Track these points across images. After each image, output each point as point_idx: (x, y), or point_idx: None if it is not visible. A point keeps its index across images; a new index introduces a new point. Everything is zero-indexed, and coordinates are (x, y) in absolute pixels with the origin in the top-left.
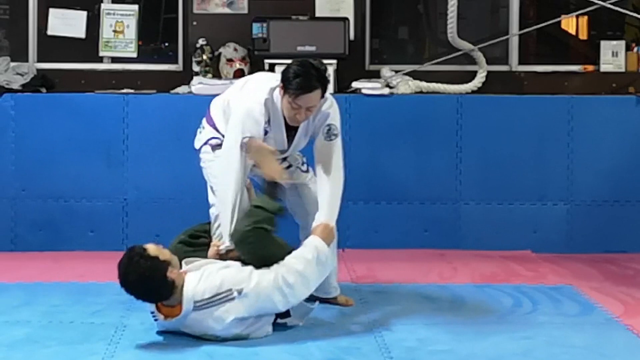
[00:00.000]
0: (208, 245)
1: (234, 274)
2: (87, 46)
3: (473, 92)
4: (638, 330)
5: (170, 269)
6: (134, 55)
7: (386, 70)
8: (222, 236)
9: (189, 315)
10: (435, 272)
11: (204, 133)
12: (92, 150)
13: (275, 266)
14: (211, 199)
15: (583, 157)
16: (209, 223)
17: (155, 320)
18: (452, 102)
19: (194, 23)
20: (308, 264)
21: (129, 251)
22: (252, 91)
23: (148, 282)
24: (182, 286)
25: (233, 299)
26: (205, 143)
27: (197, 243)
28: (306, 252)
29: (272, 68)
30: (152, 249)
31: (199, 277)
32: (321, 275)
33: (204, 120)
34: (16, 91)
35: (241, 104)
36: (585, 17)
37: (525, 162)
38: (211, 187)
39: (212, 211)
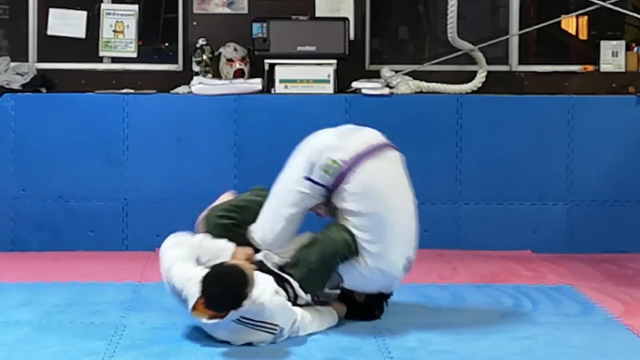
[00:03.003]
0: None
1: (284, 309)
2: (87, 46)
3: (473, 92)
4: (638, 331)
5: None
6: (134, 55)
7: (386, 70)
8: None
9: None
10: (435, 272)
11: None
12: (92, 150)
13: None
14: None
15: (583, 157)
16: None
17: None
18: (452, 102)
19: (194, 23)
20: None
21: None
22: None
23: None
24: None
25: (274, 334)
26: None
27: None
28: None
29: (272, 68)
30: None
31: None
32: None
33: None
34: (16, 91)
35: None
36: (585, 17)
37: (525, 162)
38: None
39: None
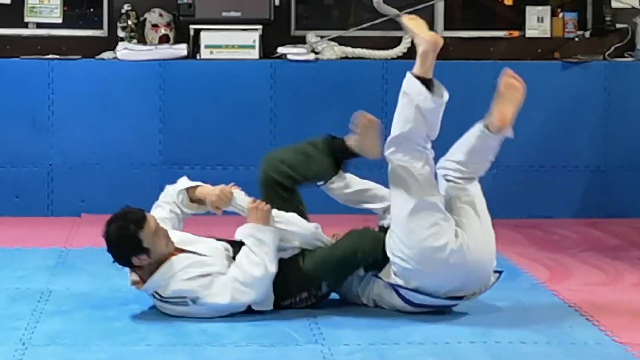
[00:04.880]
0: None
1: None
2: (12, 12)
3: (398, 57)
4: (563, 296)
5: (141, 257)
6: (59, 20)
7: (311, 36)
8: None
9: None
10: None
11: None
12: (16, 116)
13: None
14: None
15: None
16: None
17: None
18: (378, 67)
19: None
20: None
21: (125, 215)
22: None
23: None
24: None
25: (186, 305)
26: None
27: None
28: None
29: (197, 33)
30: (148, 231)
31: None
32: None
33: None
34: None
35: None
36: None
37: (450, 127)
38: None
39: None
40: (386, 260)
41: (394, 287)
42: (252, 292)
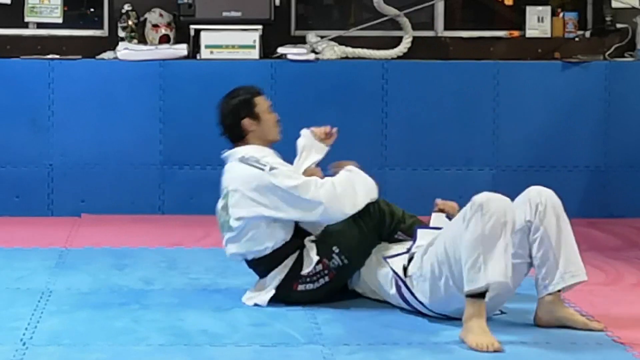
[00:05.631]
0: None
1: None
2: (12, 12)
3: (399, 57)
4: (564, 296)
5: (251, 121)
6: (60, 20)
7: (312, 36)
8: None
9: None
10: None
11: None
12: (17, 116)
13: None
14: None
15: (509, 123)
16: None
17: None
18: (378, 67)
19: None
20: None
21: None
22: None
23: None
24: None
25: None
26: None
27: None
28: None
29: (197, 33)
30: (262, 100)
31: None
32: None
33: None
34: None
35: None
36: None
37: (451, 128)
38: None
39: None
40: (391, 228)
41: (400, 285)
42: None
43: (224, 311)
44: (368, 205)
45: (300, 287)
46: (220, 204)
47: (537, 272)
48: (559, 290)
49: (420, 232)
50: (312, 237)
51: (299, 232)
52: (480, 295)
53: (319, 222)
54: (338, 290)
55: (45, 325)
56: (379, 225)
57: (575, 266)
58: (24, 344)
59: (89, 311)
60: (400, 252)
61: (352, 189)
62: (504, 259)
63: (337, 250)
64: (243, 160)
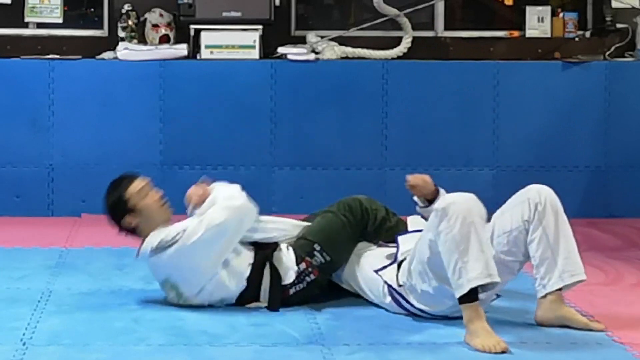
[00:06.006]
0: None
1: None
2: (12, 12)
3: (399, 57)
4: (564, 296)
5: (130, 217)
6: (60, 20)
7: (312, 36)
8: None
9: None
10: None
11: None
12: (17, 116)
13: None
14: None
15: (509, 123)
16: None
17: None
18: (378, 67)
19: None
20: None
21: (116, 180)
22: None
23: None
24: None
25: (176, 242)
26: None
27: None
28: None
29: (197, 33)
30: (132, 190)
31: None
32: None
33: None
34: None
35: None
36: None
37: (451, 128)
38: None
39: None
40: (375, 226)
41: (395, 296)
42: (223, 215)
43: (224, 311)
44: (350, 204)
45: (291, 291)
46: (171, 295)
47: (536, 272)
48: (560, 290)
49: (401, 239)
50: (289, 241)
51: (259, 248)
52: (472, 298)
53: (243, 230)
54: (326, 285)
55: (45, 325)
56: (362, 222)
57: (574, 265)
58: (24, 344)
59: (89, 311)
60: (387, 263)
61: (226, 194)
62: (482, 258)
63: (318, 248)
64: (156, 251)
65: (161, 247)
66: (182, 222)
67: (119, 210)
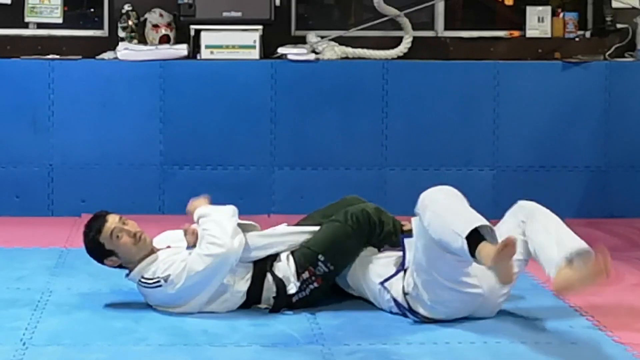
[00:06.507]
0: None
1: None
2: (12, 12)
3: (399, 57)
4: (568, 299)
5: (109, 260)
6: (60, 20)
7: (312, 36)
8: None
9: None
10: None
11: None
12: (17, 116)
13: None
14: None
15: (509, 123)
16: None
17: None
18: (378, 67)
19: None
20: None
21: (90, 222)
22: None
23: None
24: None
25: (160, 286)
26: None
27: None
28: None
29: (197, 34)
30: (105, 235)
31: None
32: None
33: None
34: None
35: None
36: None
37: (451, 128)
38: None
39: None
40: (380, 238)
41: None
42: (206, 261)
43: (224, 314)
44: (358, 215)
45: (295, 298)
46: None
47: (541, 260)
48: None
49: (407, 243)
50: (290, 250)
51: (257, 260)
52: (476, 242)
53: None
54: (329, 291)
55: (45, 325)
56: (368, 235)
57: (573, 241)
58: (24, 344)
59: (89, 311)
60: (393, 271)
61: (219, 220)
62: (466, 212)
63: (322, 259)
64: (143, 285)
65: (147, 285)
66: (169, 258)
67: (98, 254)
